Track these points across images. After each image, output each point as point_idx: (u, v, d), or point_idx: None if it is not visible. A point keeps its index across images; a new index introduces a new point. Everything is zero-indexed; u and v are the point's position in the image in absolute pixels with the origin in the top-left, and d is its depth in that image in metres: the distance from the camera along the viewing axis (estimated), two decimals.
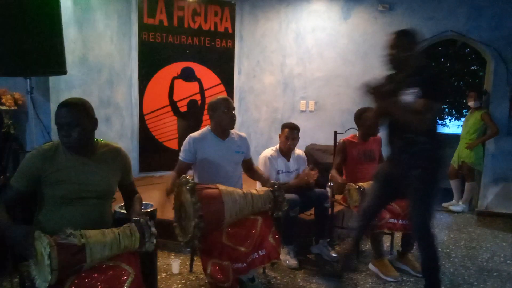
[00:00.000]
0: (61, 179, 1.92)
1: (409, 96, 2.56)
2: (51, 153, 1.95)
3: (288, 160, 3.62)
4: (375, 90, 2.58)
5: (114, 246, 1.82)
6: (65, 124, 1.91)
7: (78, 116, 1.93)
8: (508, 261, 3.70)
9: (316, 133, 5.38)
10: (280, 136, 3.61)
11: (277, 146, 3.64)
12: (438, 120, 2.78)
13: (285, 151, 3.60)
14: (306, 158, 3.82)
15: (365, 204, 2.97)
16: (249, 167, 3.17)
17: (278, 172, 3.55)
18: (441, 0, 4.93)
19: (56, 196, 1.93)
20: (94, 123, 2.02)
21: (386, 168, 2.91)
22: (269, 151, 3.58)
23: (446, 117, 8.77)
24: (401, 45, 2.64)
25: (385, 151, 3.92)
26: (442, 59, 7.94)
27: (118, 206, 2.53)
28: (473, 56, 7.43)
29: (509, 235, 4.41)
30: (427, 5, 4.97)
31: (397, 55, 2.65)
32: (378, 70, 5.14)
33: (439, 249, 3.88)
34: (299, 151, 3.75)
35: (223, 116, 2.89)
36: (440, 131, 2.79)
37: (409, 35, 2.68)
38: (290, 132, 3.54)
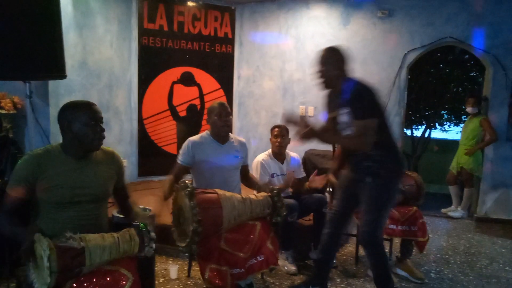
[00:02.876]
0: (56, 183, 1.90)
1: (344, 116, 2.57)
2: (45, 158, 1.93)
3: (282, 162, 3.63)
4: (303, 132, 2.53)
5: (113, 250, 1.82)
6: (101, 119, 2.01)
7: None
8: (507, 268, 3.70)
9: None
10: (270, 139, 3.63)
11: (270, 150, 3.65)
12: (390, 133, 2.71)
13: (277, 152, 3.61)
14: (301, 161, 3.82)
15: (331, 212, 2.95)
16: (244, 174, 3.15)
17: (272, 176, 3.55)
18: (440, 7, 4.95)
19: (52, 201, 1.92)
20: None
21: (346, 175, 2.89)
22: (261, 156, 3.60)
23: (445, 123, 8.77)
24: (330, 63, 2.62)
25: None
26: (441, 65, 7.95)
27: (116, 211, 2.52)
28: (472, 62, 7.45)
29: (508, 241, 4.41)
30: (426, 12, 4.99)
31: (326, 73, 2.64)
32: (377, 76, 5.22)
33: (438, 255, 3.89)
34: (293, 153, 3.75)
35: (216, 122, 2.92)
36: (394, 143, 2.69)
37: (337, 52, 2.66)
38: (279, 130, 3.58)
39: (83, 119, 1.94)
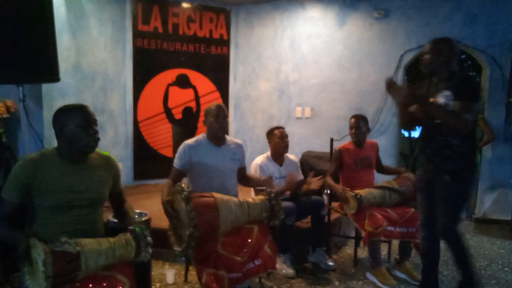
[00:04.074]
0: (52, 188, 1.88)
1: (441, 99, 2.60)
2: (40, 162, 1.91)
3: (281, 165, 3.60)
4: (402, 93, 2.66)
5: (109, 255, 1.81)
6: (95, 121, 1.98)
7: None
8: (506, 268, 3.68)
9: (312, 140, 5.36)
10: (270, 141, 3.60)
11: (268, 153, 3.62)
12: (475, 129, 2.80)
13: (281, 153, 3.58)
14: (298, 163, 3.80)
15: (419, 217, 2.97)
16: (242, 176, 3.13)
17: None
18: (436, 7, 4.94)
19: (48, 205, 1.89)
20: None
21: (421, 176, 2.92)
22: (260, 158, 3.56)
23: None
24: (440, 51, 2.69)
25: (382, 157, 3.90)
26: None
27: (112, 215, 2.49)
28: (469, 62, 7.47)
29: (507, 242, 4.39)
30: (423, 12, 4.98)
31: (435, 60, 2.70)
32: (373, 77, 5.21)
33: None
34: (291, 156, 3.73)
35: (213, 123, 2.89)
36: (476, 139, 2.89)
37: (447, 44, 2.73)
38: (281, 131, 3.57)
39: (75, 122, 1.92)
